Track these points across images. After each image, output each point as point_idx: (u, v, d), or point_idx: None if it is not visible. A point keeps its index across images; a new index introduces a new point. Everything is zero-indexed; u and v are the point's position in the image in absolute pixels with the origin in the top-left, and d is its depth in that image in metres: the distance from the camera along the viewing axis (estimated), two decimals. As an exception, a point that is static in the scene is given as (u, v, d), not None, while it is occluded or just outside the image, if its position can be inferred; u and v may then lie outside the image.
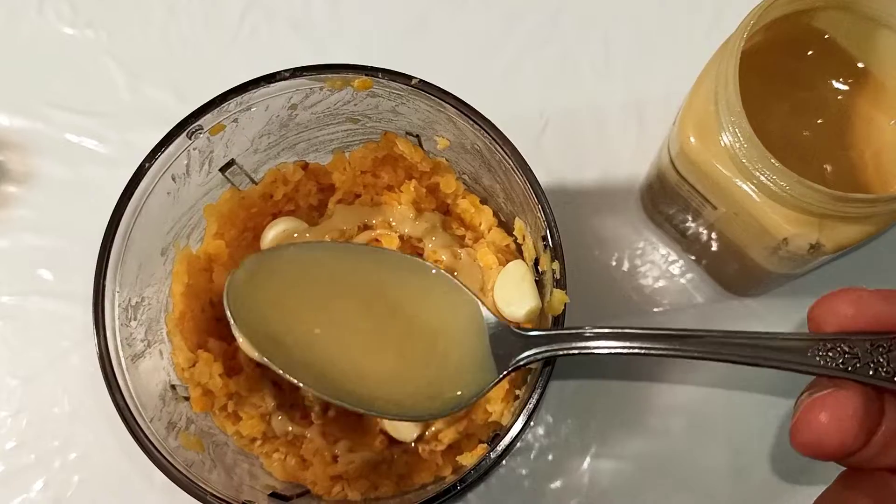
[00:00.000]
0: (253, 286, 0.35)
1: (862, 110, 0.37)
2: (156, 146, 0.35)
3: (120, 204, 0.35)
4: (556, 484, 0.46)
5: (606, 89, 0.50)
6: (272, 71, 0.36)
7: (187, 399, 0.38)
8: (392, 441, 0.40)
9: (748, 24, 0.33)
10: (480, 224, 0.41)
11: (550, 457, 0.46)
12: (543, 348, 0.33)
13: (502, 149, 0.35)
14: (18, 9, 0.52)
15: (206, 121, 0.36)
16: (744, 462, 0.46)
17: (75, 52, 0.52)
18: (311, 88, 0.37)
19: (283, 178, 0.41)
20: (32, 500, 0.46)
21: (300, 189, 0.42)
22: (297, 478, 0.39)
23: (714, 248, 0.43)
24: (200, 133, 0.36)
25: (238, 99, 0.36)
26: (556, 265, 0.34)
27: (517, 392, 0.38)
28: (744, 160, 0.33)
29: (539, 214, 0.34)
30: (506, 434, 0.33)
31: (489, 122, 0.35)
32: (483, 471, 0.33)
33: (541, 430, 0.46)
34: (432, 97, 0.35)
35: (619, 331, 0.32)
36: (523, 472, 0.46)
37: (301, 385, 0.34)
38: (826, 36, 0.38)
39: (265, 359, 0.34)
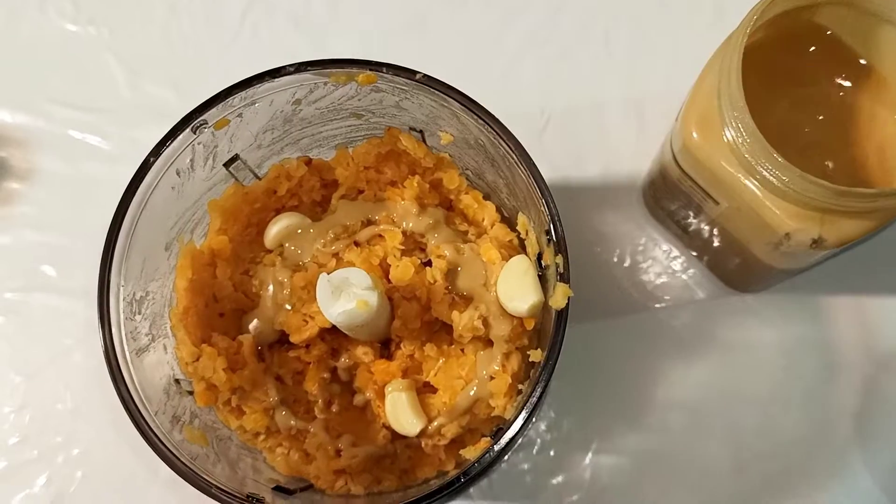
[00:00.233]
0: None
1: (864, 106, 0.37)
2: (160, 141, 0.35)
3: (124, 199, 0.35)
4: (558, 479, 0.46)
5: (607, 85, 0.51)
6: (272, 66, 0.36)
7: (191, 393, 0.38)
8: (395, 435, 0.40)
9: (751, 19, 0.34)
10: (483, 220, 0.41)
11: (552, 452, 0.46)
12: None
13: (506, 144, 0.35)
14: (20, 6, 0.52)
15: (211, 115, 0.36)
16: (743, 458, 0.46)
17: (77, 49, 0.52)
18: (315, 83, 0.37)
19: (286, 173, 0.41)
20: (35, 495, 0.46)
21: (304, 184, 0.42)
22: (301, 472, 0.39)
23: (716, 243, 0.43)
24: (205, 128, 0.36)
25: (243, 94, 0.36)
26: (559, 259, 0.34)
27: (520, 387, 0.38)
28: (746, 155, 0.33)
29: (543, 209, 0.34)
30: (508, 428, 0.33)
31: (494, 117, 0.35)
32: (486, 464, 0.33)
33: (543, 426, 0.46)
34: (437, 92, 0.35)
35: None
36: (525, 467, 0.46)
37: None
38: (828, 32, 0.38)
39: None
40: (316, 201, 0.43)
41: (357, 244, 0.41)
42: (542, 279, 0.38)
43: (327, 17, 0.52)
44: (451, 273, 0.40)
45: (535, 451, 0.46)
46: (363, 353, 0.40)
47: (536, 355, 0.36)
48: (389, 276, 0.40)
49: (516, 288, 0.38)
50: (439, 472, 0.40)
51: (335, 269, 0.39)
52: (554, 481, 0.46)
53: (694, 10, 0.51)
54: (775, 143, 0.32)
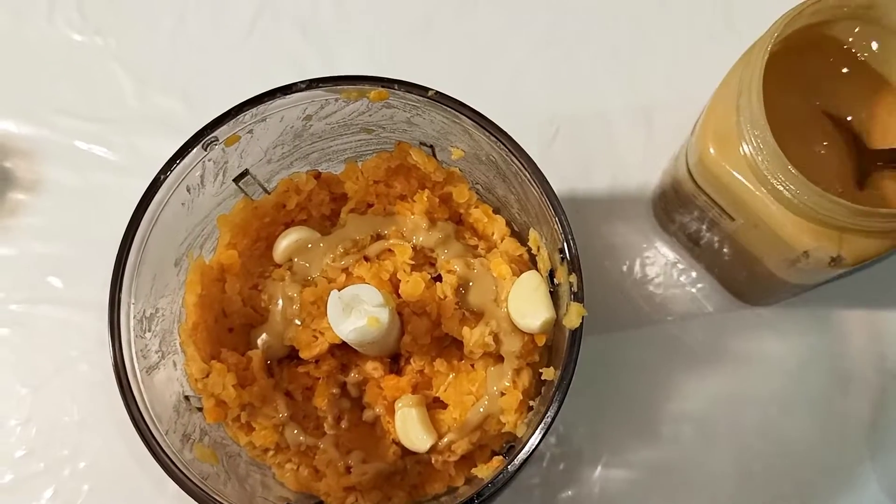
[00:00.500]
0: None
1: (883, 121, 0.37)
2: (171, 158, 0.35)
3: (135, 216, 0.35)
4: (567, 493, 0.46)
5: (614, 95, 0.50)
6: (279, 76, 0.36)
7: (201, 410, 0.38)
8: (405, 451, 0.40)
9: (772, 35, 0.33)
10: (493, 234, 0.41)
11: (562, 466, 0.46)
12: None
13: (519, 161, 0.35)
14: (27, 15, 0.52)
15: (222, 132, 0.36)
16: (754, 471, 0.46)
17: (84, 59, 0.52)
18: (326, 99, 0.37)
19: (295, 187, 0.41)
20: (42, 509, 0.46)
21: (313, 198, 0.42)
22: (310, 489, 0.39)
23: (728, 258, 0.43)
24: (216, 144, 0.36)
25: (254, 110, 0.36)
26: (573, 278, 0.34)
27: (531, 403, 0.38)
28: (766, 173, 0.33)
29: (556, 227, 0.34)
30: (523, 447, 0.33)
31: (507, 134, 0.35)
32: (500, 484, 0.33)
33: (552, 439, 0.46)
34: (449, 109, 0.35)
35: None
36: (535, 480, 0.46)
37: None
38: (847, 46, 0.37)
39: None
40: (325, 215, 0.43)
41: (367, 259, 0.41)
42: (554, 295, 0.38)
43: (335, 24, 0.52)
44: (461, 288, 0.40)
45: (544, 465, 0.46)
46: (373, 368, 0.40)
47: (549, 373, 0.36)
48: (399, 292, 0.39)
49: (528, 304, 0.38)
50: (449, 487, 0.40)
51: (345, 284, 0.39)
52: (563, 495, 0.45)
53: (702, 19, 0.51)
54: (793, 159, 0.32)
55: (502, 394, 0.38)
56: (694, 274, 0.48)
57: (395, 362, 0.41)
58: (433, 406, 0.40)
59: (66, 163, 0.50)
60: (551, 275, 0.38)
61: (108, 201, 0.49)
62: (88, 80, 0.51)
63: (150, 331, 0.36)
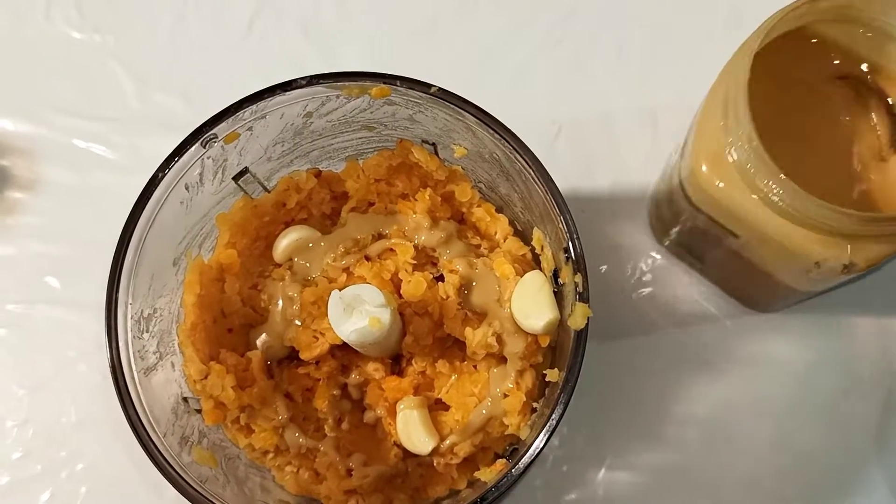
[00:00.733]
0: None
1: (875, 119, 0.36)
2: (170, 155, 0.35)
3: (133, 215, 0.34)
4: (571, 496, 0.45)
5: (619, 95, 0.50)
6: (280, 75, 0.36)
7: (199, 412, 0.37)
8: (407, 454, 0.39)
9: (756, 41, 0.33)
10: (496, 233, 0.41)
11: (565, 468, 0.45)
12: None
13: (523, 159, 0.34)
14: (25, 13, 0.52)
15: (221, 129, 0.35)
16: (761, 474, 0.45)
17: (82, 57, 0.51)
18: (327, 96, 0.36)
19: (295, 186, 0.40)
20: (39, 511, 0.45)
21: (313, 197, 0.41)
22: (311, 492, 0.39)
23: (735, 272, 0.42)
24: (215, 142, 0.36)
25: (253, 107, 0.35)
26: (578, 278, 0.34)
27: (534, 405, 0.38)
28: (759, 184, 0.33)
29: (561, 226, 0.34)
30: (527, 450, 0.33)
31: (511, 132, 0.34)
32: (504, 488, 0.32)
33: (556, 441, 0.45)
34: (452, 106, 0.35)
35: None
36: (537, 483, 0.45)
37: None
38: (836, 45, 0.37)
39: None
40: (326, 214, 0.42)
41: (368, 258, 0.40)
42: (559, 296, 0.37)
43: (336, 23, 0.51)
44: (463, 288, 0.39)
45: (547, 467, 0.45)
46: (374, 369, 0.39)
47: (553, 375, 0.36)
48: (401, 292, 0.39)
49: (531, 305, 0.37)
50: (451, 490, 0.39)
51: (346, 284, 0.39)
52: (567, 498, 0.45)
53: (708, 17, 0.51)
54: (789, 165, 0.32)
55: (505, 395, 0.38)
56: (700, 278, 0.47)
57: (396, 363, 0.41)
58: (435, 408, 0.40)
59: (65, 162, 0.50)
60: (555, 275, 0.37)
61: (106, 201, 0.48)
62: (87, 78, 0.51)
63: (147, 331, 0.36)
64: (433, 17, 0.52)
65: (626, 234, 0.48)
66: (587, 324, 0.33)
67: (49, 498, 0.45)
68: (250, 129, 0.36)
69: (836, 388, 0.46)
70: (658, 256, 0.48)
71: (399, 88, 0.35)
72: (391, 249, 0.40)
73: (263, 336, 0.40)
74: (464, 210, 0.42)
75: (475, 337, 0.38)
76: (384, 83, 0.35)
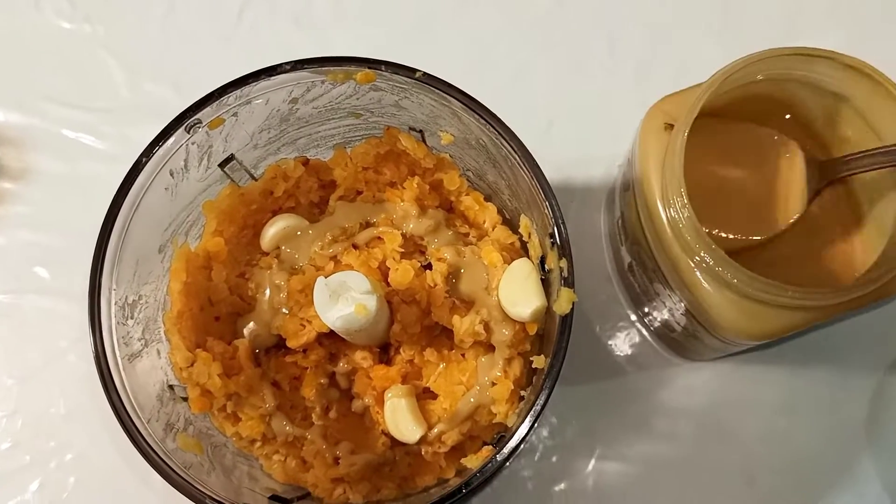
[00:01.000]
0: None
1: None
2: (153, 140, 0.35)
3: (116, 200, 0.34)
4: (561, 486, 0.45)
5: (612, 85, 0.50)
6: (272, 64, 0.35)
7: (185, 399, 0.37)
8: (395, 442, 0.39)
9: (693, 111, 0.35)
10: (484, 221, 0.41)
11: (555, 459, 0.45)
12: None
13: (509, 144, 0.34)
14: (16, 4, 0.52)
15: (205, 114, 0.35)
16: (751, 466, 0.45)
17: (73, 47, 0.51)
18: (312, 82, 0.36)
19: (283, 174, 0.40)
20: (28, 501, 0.45)
21: (301, 185, 0.41)
22: (298, 480, 0.38)
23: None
24: (199, 127, 0.35)
25: (237, 92, 0.35)
26: (563, 263, 0.33)
27: (522, 393, 0.37)
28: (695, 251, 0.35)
29: (546, 211, 0.33)
30: (512, 436, 0.32)
31: (495, 116, 0.34)
32: (488, 473, 0.32)
33: (545, 432, 0.45)
34: (437, 90, 0.35)
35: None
36: (527, 474, 0.45)
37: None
38: (781, 104, 0.39)
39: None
40: (313, 202, 0.42)
41: (356, 247, 0.40)
42: (545, 283, 0.37)
43: (328, 14, 0.51)
44: (451, 276, 0.39)
45: (537, 458, 0.45)
46: (362, 358, 0.39)
47: (540, 362, 0.36)
48: (389, 280, 0.39)
49: (519, 292, 0.37)
50: (439, 479, 0.39)
51: (333, 272, 0.39)
52: (556, 488, 0.45)
53: (700, 11, 0.50)
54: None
55: (493, 384, 0.38)
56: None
57: (384, 352, 0.41)
58: (423, 396, 0.40)
59: (55, 151, 0.50)
60: (542, 262, 0.37)
61: (96, 191, 0.47)
62: (77, 68, 0.51)
63: (132, 318, 0.36)
64: (428, 11, 0.51)
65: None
66: (572, 309, 0.33)
67: (38, 488, 0.45)
68: (235, 114, 0.36)
69: (827, 381, 0.46)
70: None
71: (384, 73, 0.35)
72: (379, 238, 0.40)
73: (251, 324, 0.40)
74: (452, 199, 0.41)
75: (463, 325, 0.38)
76: (369, 68, 0.35)
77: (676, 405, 0.46)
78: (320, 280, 0.35)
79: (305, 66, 0.35)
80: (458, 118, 0.36)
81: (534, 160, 0.34)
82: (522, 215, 0.38)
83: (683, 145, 0.35)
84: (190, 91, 0.50)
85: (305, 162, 0.41)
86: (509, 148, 0.34)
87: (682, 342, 0.44)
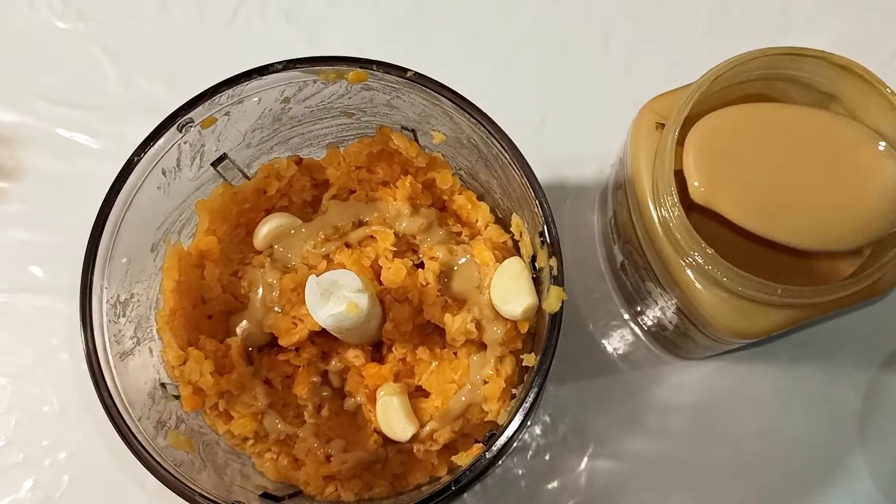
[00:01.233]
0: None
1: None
2: (145, 139, 0.35)
3: (108, 198, 0.34)
4: (554, 484, 0.45)
5: (606, 82, 0.50)
6: (266, 62, 0.36)
7: (177, 397, 0.37)
8: (387, 440, 0.39)
9: (684, 110, 0.35)
10: (477, 221, 0.41)
11: (547, 456, 0.45)
12: None
13: (499, 143, 0.34)
14: (9, 2, 0.52)
15: (197, 114, 0.35)
16: (744, 462, 0.45)
17: (66, 46, 0.51)
18: (304, 81, 0.36)
19: (276, 173, 0.40)
20: (22, 500, 0.45)
21: (294, 184, 0.41)
22: (290, 478, 0.39)
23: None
24: (191, 126, 0.35)
25: (230, 91, 0.35)
26: (553, 261, 0.34)
27: (514, 391, 0.37)
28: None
29: (536, 210, 0.34)
30: (501, 434, 0.33)
31: (486, 115, 0.34)
32: (478, 471, 0.32)
33: (538, 430, 0.45)
34: (428, 90, 0.35)
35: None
36: (520, 472, 0.45)
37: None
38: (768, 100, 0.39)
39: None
40: (306, 201, 0.42)
41: (348, 245, 0.40)
42: (537, 281, 0.37)
43: (320, 9, 0.51)
44: (443, 275, 0.39)
45: (529, 456, 0.45)
46: (354, 356, 0.39)
47: (530, 360, 0.36)
48: (381, 278, 0.39)
49: (510, 291, 0.37)
50: (431, 477, 0.39)
51: (326, 271, 0.39)
52: (549, 486, 0.45)
53: (693, 7, 0.51)
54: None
55: (485, 382, 0.38)
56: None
57: (377, 350, 0.41)
58: (415, 395, 0.40)
59: (48, 150, 0.50)
60: (534, 260, 0.37)
61: (90, 189, 0.47)
62: (71, 66, 0.51)
63: (124, 316, 0.36)
64: (419, 4, 0.51)
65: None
66: (562, 307, 0.33)
67: (32, 486, 0.45)
68: (227, 113, 0.36)
69: (820, 377, 0.46)
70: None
71: (375, 73, 0.35)
72: (371, 236, 0.40)
73: (243, 323, 0.40)
74: (445, 198, 0.42)
75: (455, 323, 0.38)
76: (360, 67, 0.35)
77: (669, 403, 0.46)
78: (312, 278, 0.35)
79: (297, 65, 0.35)
80: (450, 117, 0.36)
81: (524, 159, 0.34)
82: (514, 214, 0.38)
83: (674, 144, 0.35)
84: (183, 88, 0.50)
85: (298, 161, 0.41)
86: (500, 147, 0.34)
87: (674, 340, 0.44)
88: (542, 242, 0.34)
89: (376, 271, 0.39)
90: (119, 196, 0.34)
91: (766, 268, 0.35)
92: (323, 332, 0.38)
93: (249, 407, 0.38)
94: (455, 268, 0.39)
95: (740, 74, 0.37)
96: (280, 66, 0.35)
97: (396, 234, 0.40)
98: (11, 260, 0.48)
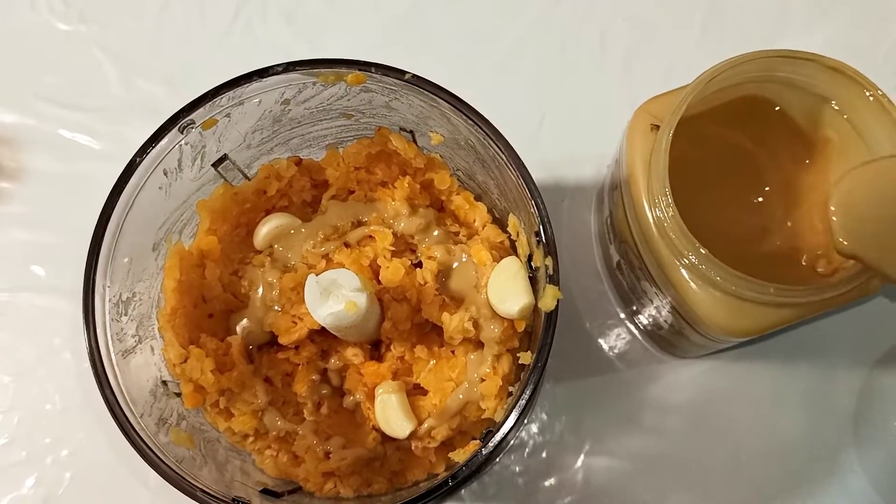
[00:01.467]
0: None
1: (803, 176, 0.39)
2: (147, 141, 0.35)
3: (110, 199, 0.35)
4: (550, 481, 0.45)
5: (605, 83, 0.50)
6: (266, 63, 0.36)
7: (179, 395, 0.38)
8: (385, 438, 0.39)
9: (678, 112, 0.35)
10: (475, 221, 0.41)
11: (544, 454, 0.46)
12: None
13: (496, 144, 0.35)
14: (11, 3, 0.52)
15: (198, 115, 0.36)
16: (740, 460, 0.45)
17: (68, 47, 0.52)
18: (304, 83, 0.37)
19: (276, 173, 0.41)
20: (24, 497, 0.46)
21: (294, 185, 0.41)
22: (289, 474, 0.39)
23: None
24: (192, 127, 0.36)
25: (230, 93, 0.35)
26: (549, 261, 0.34)
27: (511, 389, 0.38)
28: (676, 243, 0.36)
29: (532, 210, 0.34)
30: (498, 430, 0.33)
31: (482, 116, 0.35)
32: (475, 467, 0.33)
33: (535, 428, 0.46)
34: (426, 92, 0.35)
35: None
36: (517, 469, 0.46)
37: None
38: (762, 103, 0.39)
39: None
40: (306, 202, 0.42)
41: (347, 245, 0.41)
42: (533, 281, 0.37)
43: (320, 11, 0.52)
44: (441, 274, 0.40)
45: (526, 454, 0.46)
46: (353, 354, 0.40)
47: (526, 358, 0.36)
48: (380, 278, 0.39)
49: (507, 290, 0.38)
50: (429, 474, 0.40)
51: (325, 270, 0.39)
52: (546, 483, 0.45)
53: (690, 9, 0.51)
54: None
55: (482, 380, 0.38)
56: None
57: (375, 349, 0.41)
58: (413, 392, 0.40)
59: (50, 151, 0.50)
60: (530, 261, 0.38)
61: (91, 190, 0.47)
62: (72, 68, 0.51)
63: (126, 314, 0.36)
64: (419, 5, 0.52)
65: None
66: (557, 306, 0.33)
67: (34, 483, 0.46)
68: (228, 115, 0.37)
69: (814, 376, 0.46)
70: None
71: (374, 75, 0.35)
72: (370, 236, 0.41)
73: (244, 321, 0.40)
74: (443, 198, 0.42)
75: (452, 322, 0.38)
76: (359, 70, 0.35)
77: (665, 401, 0.46)
78: (311, 277, 0.36)
79: (297, 67, 0.35)
80: (448, 119, 0.36)
81: (520, 160, 0.34)
82: (511, 214, 0.39)
83: (668, 146, 0.35)
84: (184, 90, 0.50)
85: (298, 162, 0.41)
86: (496, 148, 0.35)
87: (669, 339, 0.44)
88: (539, 242, 0.34)
89: (375, 271, 0.40)
90: (121, 196, 0.35)
91: (760, 267, 0.36)
92: (322, 331, 0.39)
93: (250, 404, 0.39)
94: (453, 267, 0.40)
95: (734, 77, 0.37)
96: (280, 69, 0.35)
97: (395, 234, 0.40)
98: (13, 260, 0.49)
